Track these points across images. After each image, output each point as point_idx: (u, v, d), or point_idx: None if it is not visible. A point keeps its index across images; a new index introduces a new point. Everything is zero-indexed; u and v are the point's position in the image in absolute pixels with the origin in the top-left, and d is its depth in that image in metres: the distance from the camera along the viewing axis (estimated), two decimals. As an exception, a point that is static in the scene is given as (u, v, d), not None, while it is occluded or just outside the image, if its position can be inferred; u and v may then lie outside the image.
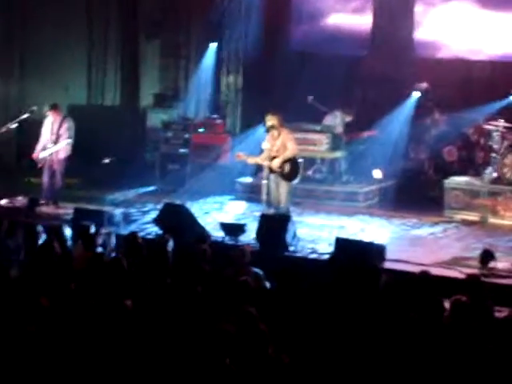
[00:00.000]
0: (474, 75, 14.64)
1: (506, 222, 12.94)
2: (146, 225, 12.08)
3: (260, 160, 11.99)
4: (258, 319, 6.18)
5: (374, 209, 13.89)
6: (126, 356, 5.98)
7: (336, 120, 14.85)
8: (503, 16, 15.02)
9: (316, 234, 11.94)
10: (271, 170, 11.80)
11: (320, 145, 14.57)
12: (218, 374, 5.58)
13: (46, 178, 13.29)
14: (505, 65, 14.84)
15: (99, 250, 9.17)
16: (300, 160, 12.02)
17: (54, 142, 13.23)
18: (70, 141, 13.23)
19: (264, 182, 11.95)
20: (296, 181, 11.95)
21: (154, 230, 11.56)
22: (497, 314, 7.63)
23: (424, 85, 15.18)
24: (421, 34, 15.72)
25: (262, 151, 12.06)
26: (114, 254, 8.97)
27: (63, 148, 13.24)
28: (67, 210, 12.39)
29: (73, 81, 16.81)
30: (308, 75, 14.98)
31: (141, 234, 10.89)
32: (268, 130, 11.80)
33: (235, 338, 5.83)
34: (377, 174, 14.78)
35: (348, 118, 14.91)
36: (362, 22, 15.94)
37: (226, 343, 5.71)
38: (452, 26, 15.43)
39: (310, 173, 14.45)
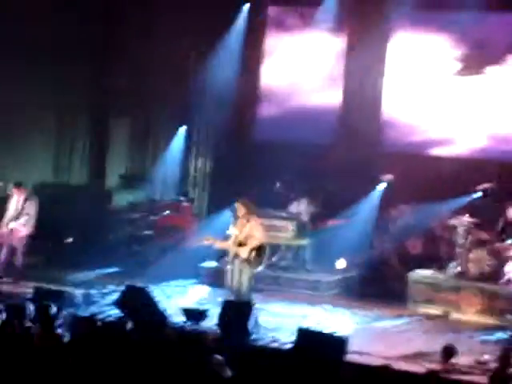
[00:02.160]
0: (441, 170, 14.83)
1: (468, 318, 12.93)
2: (106, 307, 11.90)
3: (228, 245, 11.95)
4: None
5: (337, 299, 13.83)
6: None
7: (300, 207, 14.91)
8: (470, 114, 15.33)
9: (278, 322, 11.83)
10: (236, 256, 11.76)
11: (286, 232, 14.60)
12: None
13: (2, 255, 13.21)
14: (471, 161, 15.07)
15: (59, 331, 9.00)
16: (266, 247, 11.98)
17: (16, 219, 13.18)
18: (28, 218, 13.17)
19: (229, 267, 11.89)
20: (260, 268, 11.90)
21: (114, 313, 11.39)
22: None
23: (389, 176, 15.34)
24: (388, 128, 15.98)
25: (227, 236, 12.03)
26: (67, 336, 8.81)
27: (24, 225, 13.17)
28: (27, 288, 12.20)
29: (41, 157, 16.76)
30: (276, 162, 15.12)
31: (100, 316, 10.76)
32: (236, 216, 11.80)
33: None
34: (340, 263, 14.79)
35: (313, 206, 14.98)
36: (330, 112, 16.18)
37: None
38: (419, 122, 15.71)
39: (274, 259, 14.42)
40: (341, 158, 15.38)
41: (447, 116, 15.49)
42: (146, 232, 15.16)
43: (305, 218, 14.86)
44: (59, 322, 9.18)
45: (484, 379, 9.46)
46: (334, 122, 16.25)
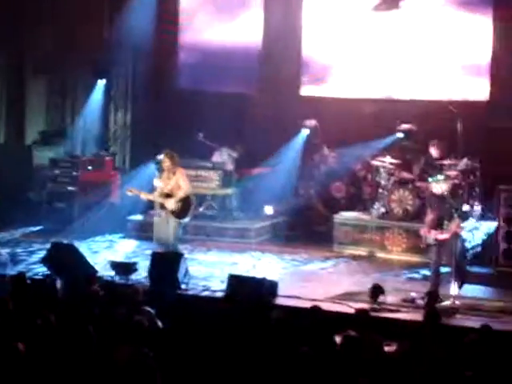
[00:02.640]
0: (361, 113, 14.93)
1: (393, 257, 13.18)
2: (34, 265, 11.77)
3: (153, 197, 11.87)
4: (151, 359, 6.07)
5: (265, 245, 13.94)
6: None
7: (223, 157, 14.90)
8: (391, 54, 15.43)
9: (208, 271, 11.88)
10: (162, 207, 11.70)
11: (211, 181, 14.59)
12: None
13: None
14: (391, 102, 15.22)
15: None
16: (193, 198, 11.94)
17: None
18: None
19: (155, 219, 11.83)
20: (187, 219, 11.87)
21: (41, 271, 11.27)
22: (386, 348, 7.72)
23: (312, 122, 15.39)
24: (306, 72, 16.00)
25: (153, 188, 11.94)
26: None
27: None
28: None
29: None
30: (197, 112, 15.01)
31: (28, 274, 10.63)
32: (160, 168, 11.71)
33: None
34: (268, 210, 14.87)
35: (234, 154, 14.99)
36: (249, 63, 16.11)
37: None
38: (339, 64, 15.76)
39: (201, 209, 14.42)
40: (262, 105, 15.37)
41: (366, 56, 15.54)
42: (69, 188, 14.93)
43: (229, 167, 14.85)
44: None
45: (411, 316, 9.71)
46: (254, 68, 16.17)
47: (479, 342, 7.33)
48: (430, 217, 10.65)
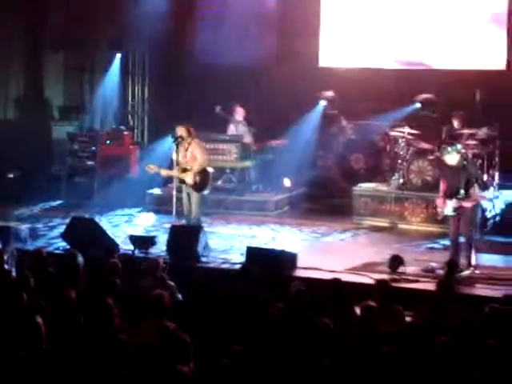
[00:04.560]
0: (379, 83, 14.85)
1: (413, 227, 13.15)
2: (54, 240, 11.84)
3: (172, 172, 11.87)
4: (179, 333, 6.11)
5: (284, 217, 13.94)
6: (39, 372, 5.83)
7: (238, 129, 14.83)
8: (409, 23, 15.31)
9: (227, 244, 11.91)
10: (182, 181, 11.71)
11: (229, 154, 14.56)
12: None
13: None
14: (409, 72, 15.12)
15: (6, 266, 8.92)
16: (210, 170, 11.95)
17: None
18: None
19: (174, 193, 11.85)
20: (206, 191, 11.88)
21: (61, 245, 11.34)
22: (407, 319, 7.72)
23: (330, 93, 15.34)
24: (325, 43, 15.91)
25: (171, 162, 11.94)
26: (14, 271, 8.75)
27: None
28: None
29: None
30: (214, 85, 14.97)
31: (48, 249, 10.70)
32: (178, 141, 11.70)
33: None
34: (286, 182, 14.86)
35: (251, 129, 14.89)
36: (267, 33, 16.04)
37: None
38: (357, 35, 15.66)
39: (219, 183, 14.42)
40: (280, 77, 15.30)
41: (385, 27, 15.45)
42: (88, 163, 15.00)
43: (248, 139, 14.82)
44: (5, 257, 9.07)
45: (431, 286, 9.67)
46: (271, 42, 16.10)
47: (500, 312, 7.32)
48: (442, 187, 10.59)
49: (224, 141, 14.63)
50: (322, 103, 15.34)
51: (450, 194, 10.39)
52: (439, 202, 10.56)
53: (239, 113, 14.80)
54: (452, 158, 10.45)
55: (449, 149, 10.56)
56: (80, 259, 8.57)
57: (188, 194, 11.69)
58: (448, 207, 10.40)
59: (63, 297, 7.25)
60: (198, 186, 11.68)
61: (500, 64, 14.69)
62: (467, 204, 10.29)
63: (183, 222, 11.76)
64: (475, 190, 10.40)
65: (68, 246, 11.03)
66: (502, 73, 14.60)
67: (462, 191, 10.28)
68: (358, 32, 15.65)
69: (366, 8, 15.56)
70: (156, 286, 7.94)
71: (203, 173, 11.70)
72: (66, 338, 6.49)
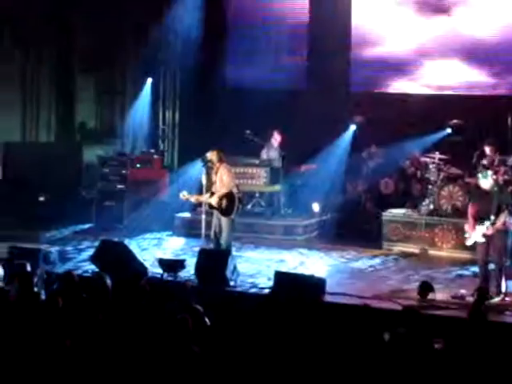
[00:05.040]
0: (409, 108, 14.82)
1: (443, 254, 13.05)
2: (83, 263, 11.89)
3: (202, 198, 11.89)
4: (202, 358, 6.10)
5: (312, 242, 13.90)
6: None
7: (271, 154, 14.84)
8: (440, 46, 15.29)
9: (256, 268, 11.88)
10: (210, 206, 11.72)
11: (259, 178, 14.59)
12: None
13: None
14: (439, 97, 15.08)
15: (35, 289, 8.95)
16: (236, 193, 11.89)
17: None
18: None
19: (203, 216, 11.85)
20: (233, 215, 11.83)
21: (90, 268, 11.37)
22: (436, 346, 7.64)
23: (360, 118, 15.32)
24: (356, 68, 15.92)
25: (201, 186, 11.97)
26: (43, 293, 8.78)
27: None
28: (1, 249, 12.11)
29: (7, 117, 16.50)
30: (245, 111, 15.01)
31: (77, 272, 10.73)
32: (207, 166, 11.74)
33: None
34: (315, 207, 14.83)
35: (282, 154, 14.89)
36: (298, 59, 16.10)
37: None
38: (388, 57, 15.66)
39: (249, 207, 14.43)
40: (311, 101, 15.31)
41: (414, 52, 15.43)
42: (118, 186, 15.07)
43: (278, 164, 14.82)
44: (35, 280, 9.11)
45: (461, 313, 9.58)
46: (302, 66, 16.15)
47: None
48: (470, 211, 10.48)
49: (254, 165, 14.66)
50: (352, 128, 15.33)
51: (480, 219, 10.31)
52: (468, 227, 10.48)
53: (276, 138, 14.82)
54: (486, 182, 10.36)
55: (484, 173, 10.50)
56: (109, 282, 8.58)
57: (219, 219, 11.69)
58: (477, 233, 10.31)
59: (93, 320, 7.26)
60: (224, 210, 11.66)
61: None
62: (497, 230, 10.19)
63: (212, 245, 11.75)
64: (506, 217, 10.30)
65: (96, 269, 11.04)
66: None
67: (493, 217, 10.20)
68: (388, 55, 15.63)
69: (396, 32, 15.56)
70: (182, 310, 7.93)
71: (229, 196, 11.68)
72: (95, 360, 6.49)
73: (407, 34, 15.50)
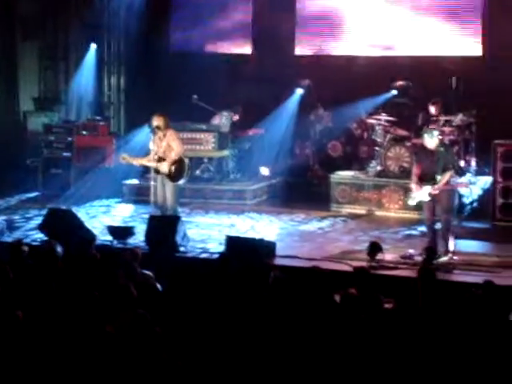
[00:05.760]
0: (355, 71, 14.86)
1: (391, 214, 13.19)
2: (31, 231, 11.77)
3: (145, 161, 11.82)
4: (151, 322, 6.09)
5: (262, 206, 13.94)
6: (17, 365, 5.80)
7: (223, 120, 14.78)
8: (385, 8, 15.31)
9: (206, 233, 11.88)
10: (157, 171, 11.64)
11: (207, 144, 14.54)
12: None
13: None
14: (385, 59, 15.13)
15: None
16: (186, 160, 11.87)
17: None
18: None
19: (152, 183, 11.80)
20: (182, 181, 11.80)
21: (39, 237, 11.27)
22: (386, 306, 7.74)
23: (306, 81, 15.32)
24: (301, 31, 15.88)
25: (149, 152, 11.88)
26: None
27: None
28: None
29: None
30: (191, 75, 14.91)
31: (26, 240, 10.62)
32: (154, 131, 11.63)
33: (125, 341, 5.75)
34: (264, 171, 14.85)
35: (236, 117, 14.88)
36: (243, 22, 16.00)
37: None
38: (332, 21, 15.64)
39: (197, 172, 14.39)
40: (257, 66, 15.27)
41: (359, 12, 15.43)
42: (64, 154, 14.90)
43: (225, 129, 14.77)
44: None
45: (410, 273, 9.71)
46: (247, 30, 16.08)
47: (482, 298, 7.34)
48: (415, 171, 10.55)
49: (201, 130, 14.60)
50: (299, 91, 15.33)
51: (426, 179, 10.39)
52: (414, 186, 10.53)
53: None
54: (431, 141, 10.43)
55: (430, 132, 10.58)
56: (59, 250, 8.51)
57: (163, 185, 11.62)
58: (423, 192, 10.39)
59: (42, 289, 7.20)
60: (174, 176, 11.59)
61: (476, 51, 14.74)
62: (442, 189, 10.29)
63: (160, 212, 11.70)
64: (451, 176, 10.42)
65: (45, 238, 10.95)
66: (477, 59, 14.64)
67: (439, 177, 10.29)
68: (332, 19, 15.62)
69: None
70: (130, 277, 7.90)
71: (179, 163, 11.62)
72: (45, 330, 6.45)
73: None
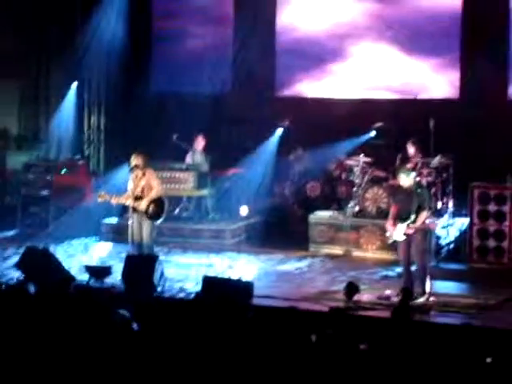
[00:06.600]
0: (334, 112, 14.98)
1: (368, 255, 13.23)
2: (8, 270, 11.70)
3: (123, 200, 11.82)
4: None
5: (241, 246, 13.93)
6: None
7: (196, 157, 14.79)
8: (364, 53, 15.50)
9: (184, 272, 11.86)
10: (134, 210, 11.64)
11: (186, 183, 14.56)
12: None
13: None
14: (364, 101, 15.28)
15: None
16: (166, 200, 11.89)
17: None
18: None
19: (130, 222, 11.80)
20: (160, 220, 11.80)
21: (16, 276, 11.20)
22: (362, 346, 7.73)
23: (286, 122, 15.43)
24: (281, 72, 16.03)
25: (127, 191, 11.88)
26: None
27: None
28: None
29: None
30: (170, 115, 14.98)
31: (2, 279, 10.57)
32: (132, 170, 11.66)
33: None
34: (243, 210, 14.87)
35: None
36: (223, 63, 16.14)
37: None
38: (312, 65, 15.80)
39: (176, 211, 14.40)
40: (236, 105, 15.36)
41: (340, 56, 15.60)
42: (43, 192, 14.88)
43: (205, 168, 14.82)
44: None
45: (387, 314, 9.70)
46: (226, 69, 16.20)
47: (458, 339, 7.36)
48: (392, 211, 10.62)
49: (181, 169, 14.63)
50: (279, 131, 15.43)
51: (401, 218, 10.44)
52: (389, 225, 10.59)
53: (200, 142, 14.76)
54: (407, 180, 10.50)
55: (406, 172, 10.66)
56: (32, 289, 8.46)
57: (140, 223, 11.62)
58: (398, 231, 10.44)
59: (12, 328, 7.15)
60: (152, 215, 11.62)
61: (453, 94, 14.92)
62: (417, 229, 10.33)
63: (137, 251, 11.67)
64: (426, 216, 10.48)
65: (22, 277, 10.90)
66: (455, 102, 14.82)
67: (413, 216, 10.35)
68: (313, 62, 15.77)
69: (320, 39, 15.70)
70: (107, 317, 7.86)
71: (158, 201, 11.66)
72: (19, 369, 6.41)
73: (331, 40, 15.65)
